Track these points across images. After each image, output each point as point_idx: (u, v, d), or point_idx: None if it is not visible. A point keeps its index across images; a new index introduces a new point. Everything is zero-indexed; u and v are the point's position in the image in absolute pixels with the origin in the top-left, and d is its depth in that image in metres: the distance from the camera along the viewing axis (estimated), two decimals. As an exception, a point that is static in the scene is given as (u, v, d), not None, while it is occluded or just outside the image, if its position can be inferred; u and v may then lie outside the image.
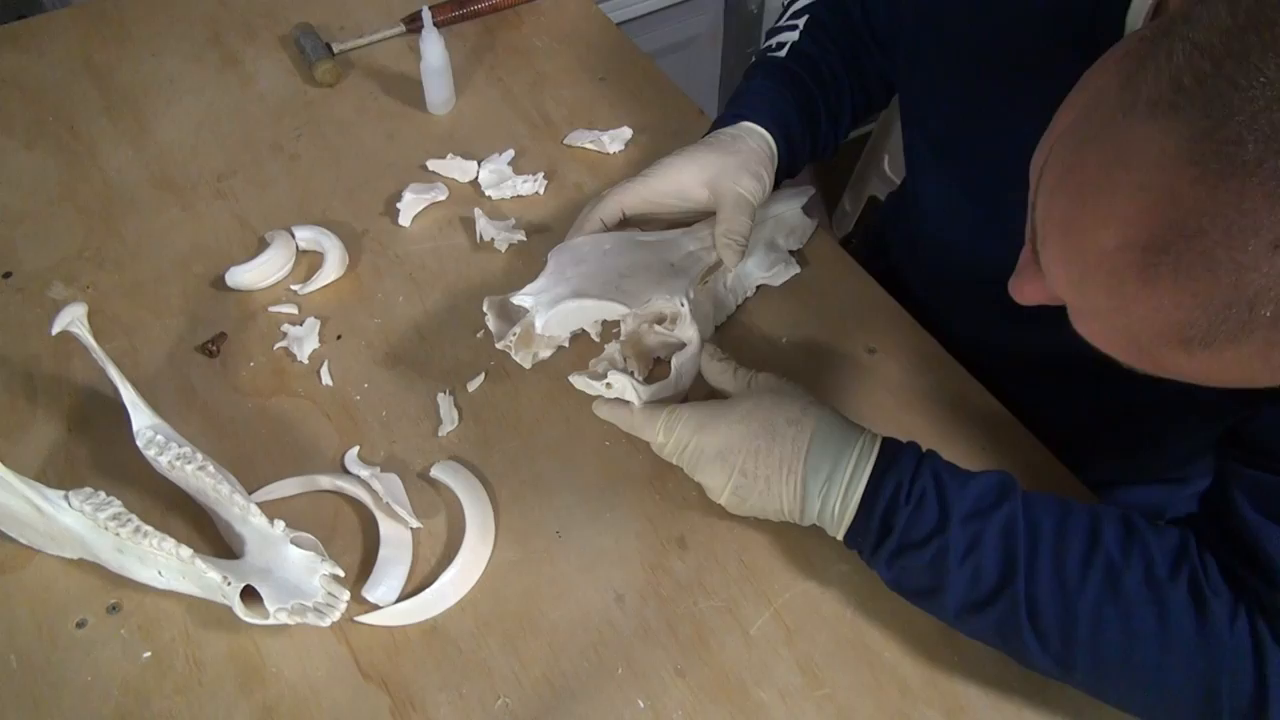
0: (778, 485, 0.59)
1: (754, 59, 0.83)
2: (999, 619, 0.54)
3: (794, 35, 0.81)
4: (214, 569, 0.57)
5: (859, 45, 0.82)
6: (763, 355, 0.74)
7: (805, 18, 0.82)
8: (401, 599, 0.61)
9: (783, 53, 0.80)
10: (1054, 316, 0.44)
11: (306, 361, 0.74)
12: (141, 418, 0.64)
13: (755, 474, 0.59)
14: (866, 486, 0.57)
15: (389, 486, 0.65)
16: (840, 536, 0.59)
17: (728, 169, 0.71)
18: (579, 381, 0.65)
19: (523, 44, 1.01)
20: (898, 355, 0.74)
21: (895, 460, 0.57)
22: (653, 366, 0.72)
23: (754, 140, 0.74)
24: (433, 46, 0.89)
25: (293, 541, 0.60)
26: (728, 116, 0.77)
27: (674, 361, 0.65)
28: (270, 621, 0.57)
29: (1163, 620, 0.52)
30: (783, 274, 0.78)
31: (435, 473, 0.67)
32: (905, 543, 0.55)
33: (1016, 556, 0.54)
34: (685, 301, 0.67)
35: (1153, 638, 0.51)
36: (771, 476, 0.58)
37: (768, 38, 0.83)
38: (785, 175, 0.78)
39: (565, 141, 0.91)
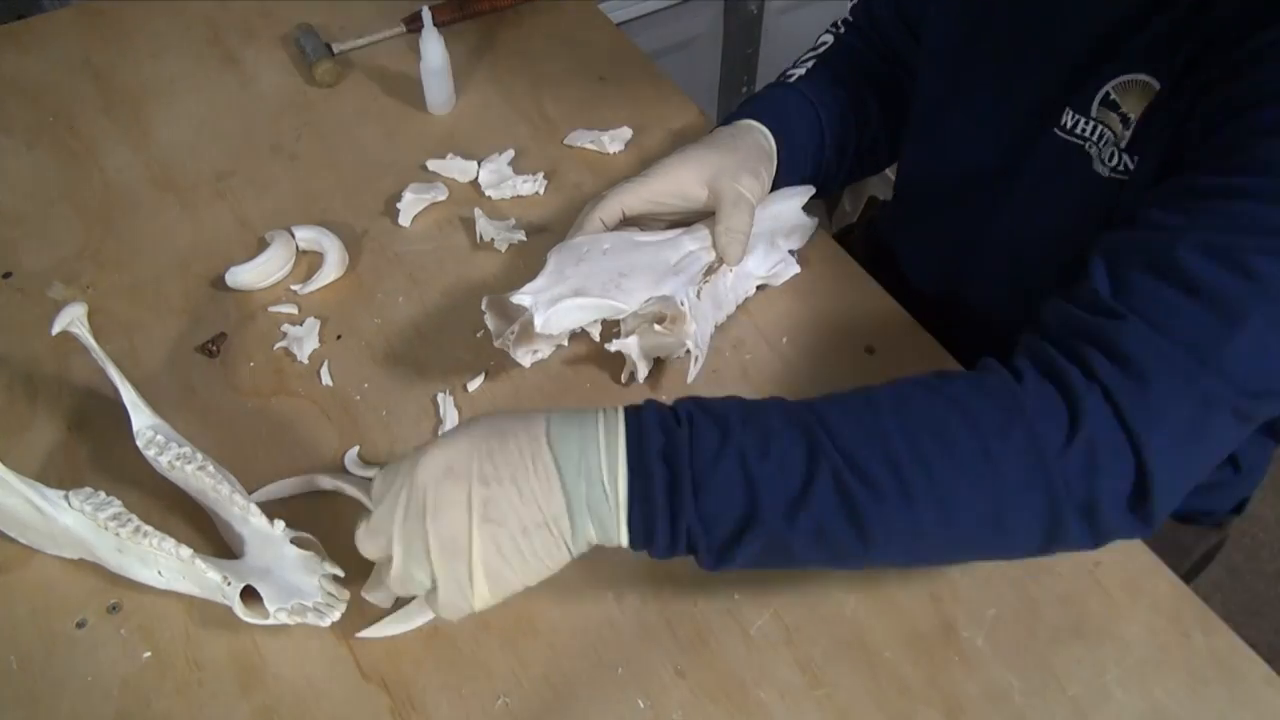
0: (526, 480, 0.50)
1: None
2: (830, 496, 0.50)
3: (801, 70, 0.83)
4: (214, 569, 0.57)
5: (870, 85, 0.83)
6: (763, 355, 0.74)
7: (813, 63, 0.83)
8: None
9: (790, 80, 0.82)
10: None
11: (306, 361, 0.74)
12: (141, 418, 0.64)
13: (498, 476, 0.50)
14: (627, 432, 0.50)
15: (389, 486, 0.65)
16: (623, 518, 0.50)
17: (727, 168, 0.71)
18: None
19: (523, 44, 1.01)
20: (898, 355, 0.74)
21: (642, 406, 0.53)
22: (652, 366, 0.72)
23: (752, 138, 0.75)
24: (433, 47, 0.89)
25: (293, 541, 0.60)
26: (728, 118, 0.77)
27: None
28: (270, 621, 0.57)
29: (958, 406, 0.51)
30: (783, 274, 0.78)
31: (435, 473, 0.67)
32: (698, 474, 0.50)
33: (811, 427, 0.51)
34: (685, 301, 0.67)
35: (960, 424, 0.51)
36: (517, 473, 0.50)
37: (777, 78, 0.85)
38: (789, 180, 0.78)
39: (565, 141, 0.91)
